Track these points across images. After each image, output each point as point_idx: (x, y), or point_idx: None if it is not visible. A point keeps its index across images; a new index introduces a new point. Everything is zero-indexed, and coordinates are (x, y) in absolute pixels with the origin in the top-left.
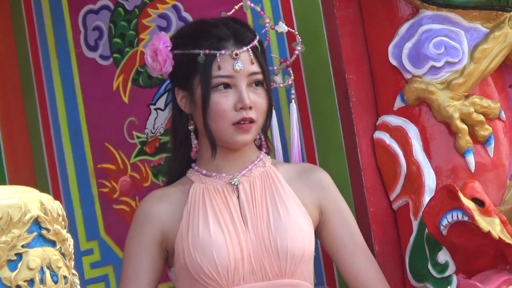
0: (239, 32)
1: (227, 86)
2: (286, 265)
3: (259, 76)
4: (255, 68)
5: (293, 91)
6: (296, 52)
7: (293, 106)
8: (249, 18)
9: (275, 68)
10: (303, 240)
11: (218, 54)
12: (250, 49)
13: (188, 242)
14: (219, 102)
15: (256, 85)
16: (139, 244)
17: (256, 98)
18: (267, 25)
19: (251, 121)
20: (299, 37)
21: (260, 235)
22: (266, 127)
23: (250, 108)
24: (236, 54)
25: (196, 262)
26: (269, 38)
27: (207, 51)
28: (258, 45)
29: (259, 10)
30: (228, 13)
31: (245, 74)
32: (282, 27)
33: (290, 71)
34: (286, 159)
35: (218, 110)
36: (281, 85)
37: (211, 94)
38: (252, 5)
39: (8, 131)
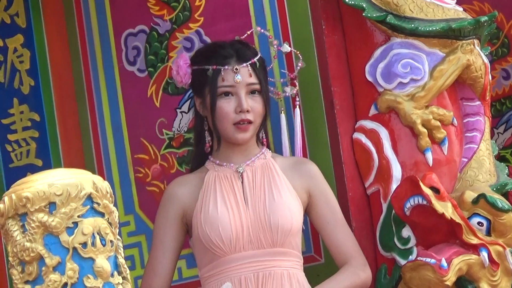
0: (240, 51)
1: (229, 94)
2: (278, 237)
3: (257, 86)
4: (253, 80)
5: (298, 99)
6: (297, 67)
7: (297, 111)
8: (256, 41)
9: (281, 80)
10: (291, 217)
11: (222, 69)
12: (249, 65)
13: (201, 218)
14: (223, 106)
15: (254, 93)
16: (166, 219)
17: (253, 104)
18: (275, 46)
19: (249, 122)
20: (300, 56)
21: (257, 213)
22: (265, 127)
23: (248, 111)
24: (237, 69)
25: (206, 234)
26: (276, 56)
27: (214, 67)
28: (257, 62)
29: (268, 34)
30: (242, 37)
31: (244, 85)
32: (286, 48)
33: (296, 83)
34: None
35: (222, 113)
36: (289, 94)
37: (217, 100)
38: (262, 30)
39: (64, 127)
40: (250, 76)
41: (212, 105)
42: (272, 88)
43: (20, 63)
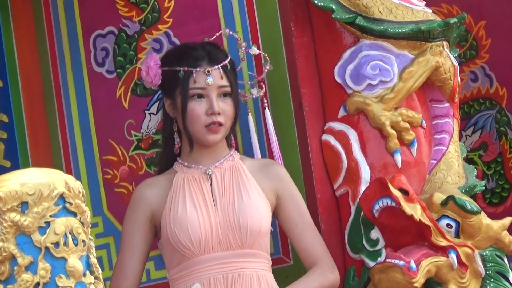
0: (212, 53)
1: (200, 96)
2: (247, 238)
3: (228, 89)
4: (224, 82)
5: (266, 101)
6: (265, 70)
7: (267, 112)
8: (225, 43)
9: (249, 82)
10: (260, 219)
11: (194, 71)
12: (220, 67)
13: (170, 220)
14: (194, 108)
15: (225, 96)
16: (134, 220)
17: (224, 106)
18: (243, 48)
19: (220, 124)
20: (268, 59)
21: (227, 214)
22: (234, 129)
23: (219, 113)
24: (208, 71)
25: (175, 235)
26: (245, 59)
27: (185, 68)
28: (228, 64)
29: (237, 36)
30: (211, 39)
31: (215, 87)
32: (254, 50)
33: (263, 85)
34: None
35: (193, 115)
36: (255, 96)
37: (188, 102)
38: (230, 32)
39: (32, 129)
40: (222, 78)
41: (183, 107)
42: (240, 90)
43: None
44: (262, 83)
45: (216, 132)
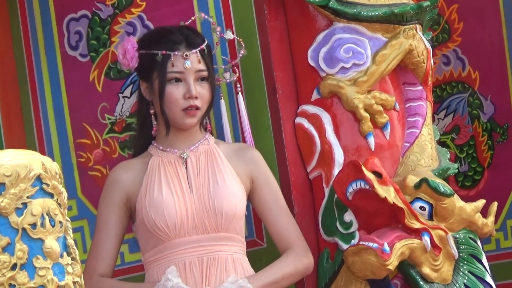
0: (190, 37)
1: (178, 80)
2: (222, 222)
3: (205, 73)
4: (202, 66)
5: (239, 86)
6: (240, 55)
7: (240, 97)
8: (199, 27)
9: (223, 67)
10: (235, 203)
11: (172, 55)
12: (198, 52)
13: (146, 203)
14: (172, 92)
15: (202, 80)
16: (109, 203)
17: (201, 90)
18: (218, 33)
19: (197, 108)
20: (243, 43)
21: (202, 198)
22: (209, 113)
23: (196, 97)
24: (186, 55)
25: (151, 218)
26: (219, 43)
27: (164, 52)
28: (205, 48)
29: (212, 21)
30: (186, 23)
31: (193, 71)
32: (229, 35)
33: (236, 69)
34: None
35: (171, 99)
36: (228, 80)
37: (166, 86)
38: (205, 16)
39: (6, 112)
40: (199, 62)
41: (160, 90)
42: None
43: None
44: (235, 67)
45: (193, 116)
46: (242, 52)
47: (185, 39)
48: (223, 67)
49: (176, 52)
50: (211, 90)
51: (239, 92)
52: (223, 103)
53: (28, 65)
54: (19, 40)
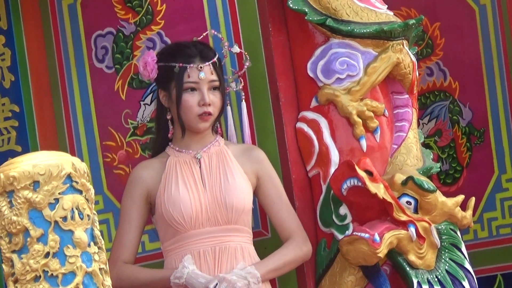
0: (203, 51)
1: (193, 89)
2: (232, 215)
3: (217, 83)
4: (214, 77)
5: (243, 94)
6: (245, 66)
7: (243, 104)
8: (211, 42)
9: (230, 77)
10: (244, 198)
11: (188, 67)
12: (211, 64)
13: (164, 198)
14: (188, 100)
15: (214, 89)
16: (131, 198)
17: (214, 98)
18: (225, 47)
19: (209, 114)
20: (248, 56)
21: (214, 194)
22: (220, 118)
23: (209, 105)
24: (201, 67)
25: (169, 212)
26: (227, 56)
27: (180, 64)
28: (217, 61)
29: (221, 36)
30: (198, 38)
31: (206, 81)
32: (236, 49)
33: (241, 79)
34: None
35: (187, 106)
36: (235, 89)
37: (182, 94)
38: (215, 33)
39: (40, 118)
40: (212, 73)
41: (178, 98)
42: None
43: (2, 60)
44: (241, 77)
45: (207, 121)
46: (248, 63)
47: (199, 53)
48: (230, 77)
49: (191, 65)
50: (222, 98)
51: (243, 100)
52: (229, 109)
53: (60, 76)
54: (52, 54)
